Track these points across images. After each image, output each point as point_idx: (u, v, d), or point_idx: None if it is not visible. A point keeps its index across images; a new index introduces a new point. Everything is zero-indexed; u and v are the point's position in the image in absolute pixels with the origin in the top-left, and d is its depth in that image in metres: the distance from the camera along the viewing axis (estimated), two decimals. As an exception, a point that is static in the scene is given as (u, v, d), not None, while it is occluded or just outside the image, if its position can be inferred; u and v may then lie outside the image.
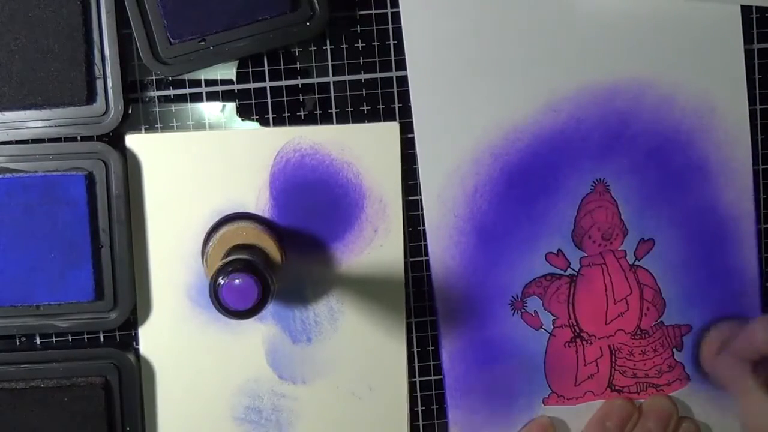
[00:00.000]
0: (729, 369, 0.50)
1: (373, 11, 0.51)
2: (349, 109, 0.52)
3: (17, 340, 0.52)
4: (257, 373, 0.52)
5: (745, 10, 0.52)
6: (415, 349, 0.54)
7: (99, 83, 0.49)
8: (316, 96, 0.52)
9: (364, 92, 0.52)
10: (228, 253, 0.47)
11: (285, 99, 0.52)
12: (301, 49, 0.51)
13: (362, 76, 0.52)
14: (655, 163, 0.53)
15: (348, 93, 0.52)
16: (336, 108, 0.52)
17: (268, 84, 0.51)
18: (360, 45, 0.52)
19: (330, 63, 0.52)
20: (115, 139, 0.50)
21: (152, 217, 0.51)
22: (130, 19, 0.49)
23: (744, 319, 0.53)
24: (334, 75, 0.52)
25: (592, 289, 0.53)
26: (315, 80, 0.52)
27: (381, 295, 0.53)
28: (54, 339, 0.52)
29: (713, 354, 0.53)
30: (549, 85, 0.52)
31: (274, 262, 0.48)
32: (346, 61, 0.52)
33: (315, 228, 0.52)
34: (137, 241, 0.51)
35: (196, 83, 0.51)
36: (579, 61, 0.52)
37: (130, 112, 0.51)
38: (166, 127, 0.51)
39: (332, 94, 0.52)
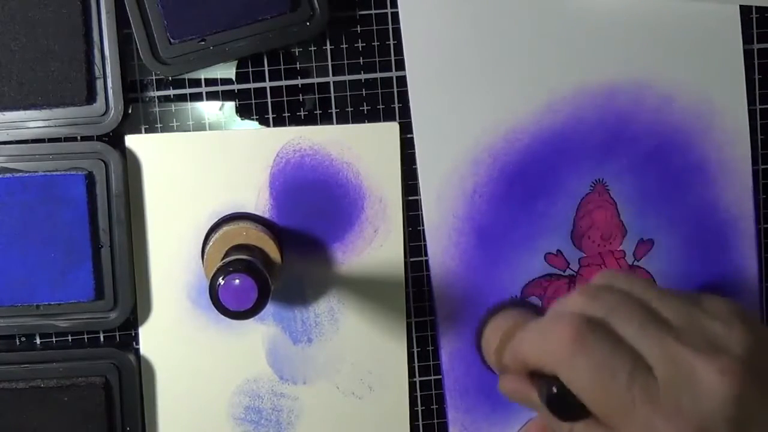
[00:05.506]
0: (511, 383, 0.41)
1: (373, 11, 0.51)
2: (349, 109, 0.52)
3: (17, 340, 0.52)
4: (257, 373, 0.52)
5: (745, 10, 0.52)
6: (415, 349, 0.54)
7: (99, 83, 0.49)
8: (316, 96, 0.52)
9: (364, 92, 0.52)
10: (227, 254, 0.47)
11: (285, 99, 0.52)
12: (301, 49, 0.51)
13: (362, 76, 0.52)
14: (654, 164, 0.53)
15: (348, 93, 0.52)
16: (336, 108, 0.52)
17: (268, 84, 0.51)
18: (360, 45, 0.52)
19: (330, 63, 0.52)
20: (115, 139, 0.50)
21: (152, 217, 0.51)
22: (130, 19, 0.49)
23: (525, 312, 0.47)
24: (334, 75, 0.52)
25: (591, 290, 0.53)
26: (315, 80, 0.52)
27: (381, 295, 0.53)
28: (54, 339, 0.52)
29: (492, 351, 0.45)
30: (548, 85, 0.52)
31: (274, 263, 0.48)
32: (346, 61, 0.52)
33: (315, 228, 0.52)
34: (137, 241, 0.51)
35: (196, 83, 0.51)
36: (578, 62, 0.52)
37: (130, 112, 0.51)
38: (166, 127, 0.51)
39: (332, 94, 0.52)
